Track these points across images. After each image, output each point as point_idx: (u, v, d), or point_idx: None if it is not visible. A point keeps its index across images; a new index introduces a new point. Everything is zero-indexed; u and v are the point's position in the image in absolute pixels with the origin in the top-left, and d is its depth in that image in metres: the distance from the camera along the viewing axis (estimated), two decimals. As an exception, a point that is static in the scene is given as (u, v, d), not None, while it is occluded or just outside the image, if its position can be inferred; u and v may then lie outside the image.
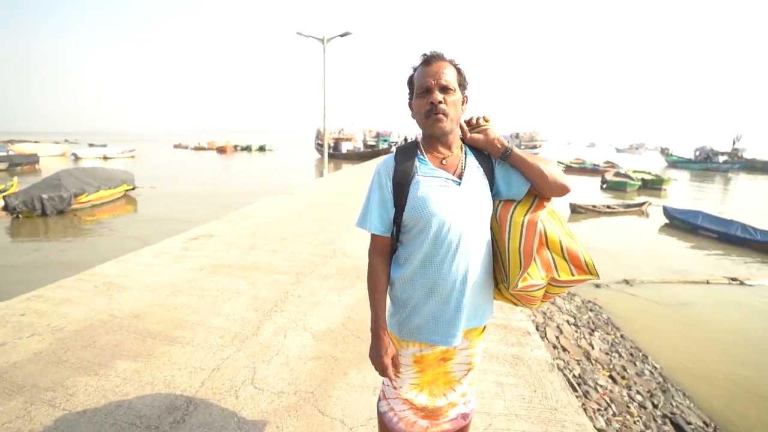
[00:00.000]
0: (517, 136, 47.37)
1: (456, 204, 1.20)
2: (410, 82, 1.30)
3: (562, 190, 1.25)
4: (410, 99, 1.31)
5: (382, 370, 1.30)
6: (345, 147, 36.31)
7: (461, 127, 1.32)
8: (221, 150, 48.36)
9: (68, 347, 2.62)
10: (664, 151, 43.17)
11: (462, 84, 1.27)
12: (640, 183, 20.09)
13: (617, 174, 21.80)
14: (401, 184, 1.23)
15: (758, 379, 4.50)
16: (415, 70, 1.28)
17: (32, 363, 2.44)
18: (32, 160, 26.57)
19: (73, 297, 3.42)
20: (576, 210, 13.40)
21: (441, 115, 1.20)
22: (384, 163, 1.30)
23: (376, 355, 1.29)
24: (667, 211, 12.29)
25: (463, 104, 1.28)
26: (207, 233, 5.71)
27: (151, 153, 44.24)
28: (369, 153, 32.25)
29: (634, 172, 22.83)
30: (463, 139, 1.33)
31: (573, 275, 1.24)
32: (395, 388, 1.38)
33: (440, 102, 1.19)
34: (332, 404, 2.17)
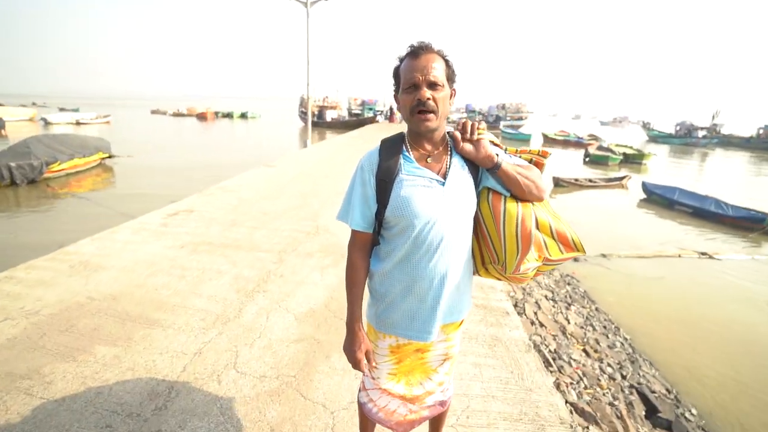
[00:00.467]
0: (503, 107, 46.98)
1: (439, 205, 1.19)
2: (396, 74, 1.25)
3: (537, 200, 1.27)
4: (396, 91, 1.26)
5: (354, 363, 1.32)
6: (329, 115, 35.48)
7: (453, 136, 1.27)
8: (201, 117, 46.72)
9: (44, 332, 2.58)
10: (645, 125, 43.66)
11: (450, 77, 1.23)
12: (621, 157, 20.38)
13: (600, 148, 22.03)
14: (385, 182, 1.20)
15: (717, 347, 4.80)
16: (401, 61, 1.23)
17: (6, 349, 2.39)
18: (-2, 124, 25.20)
19: (48, 278, 3.33)
20: (559, 183, 13.58)
21: (429, 114, 1.17)
22: (368, 157, 1.27)
23: (350, 349, 1.31)
24: (645, 187, 12.57)
25: (451, 98, 1.24)
26: (187, 208, 5.58)
27: (128, 119, 42.45)
28: (354, 122, 31.61)
29: (617, 146, 23.10)
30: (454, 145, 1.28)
31: (562, 253, 1.27)
32: (373, 378, 1.41)
33: (428, 99, 1.15)
34: (314, 388, 2.21)
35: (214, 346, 2.53)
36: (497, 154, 1.24)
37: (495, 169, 1.22)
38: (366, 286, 1.34)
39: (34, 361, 2.30)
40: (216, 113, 50.20)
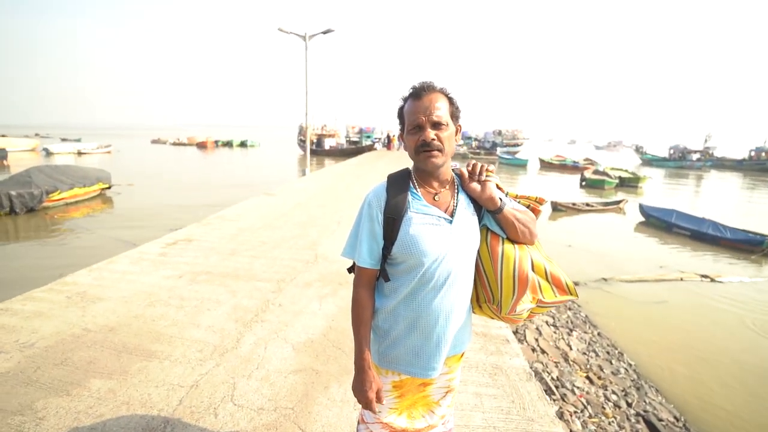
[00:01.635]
0: (499, 133, 47.87)
1: (447, 243, 1.20)
2: (400, 114, 1.27)
3: (529, 243, 1.31)
4: (401, 131, 1.29)
5: (365, 404, 1.29)
6: (328, 143, 36.03)
7: (461, 174, 1.30)
8: (201, 145, 47.35)
9: (38, 365, 2.54)
10: (638, 149, 44.38)
11: (454, 115, 1.25)
12: (617, 181, 20.61)
13: (596, 172, 22.30)
14: (393, 219, 1.21)
15: (725, 372, 4.71)
16: (405, 101, 1.25)
17: (-1, 384, 2.35)
18: (0, 155, 25.50)
19: (44, 309, 3.30)
20: (557, 208, 13.67)
21: (435, 151, 1.19)
22: (375, 193, 1.27)
23: (361, 389, 1.28)
24: (643, 209, 12.65)
25: (456, 134, 1.27)
26: (186, 237, 5.59)
27: (128, 148, 42.99)
28: (352, 149, 32.08)
29: (612, 169, 23.40)
30: (462, 183, 1.31)
31: (555, 296, 1.29)
32: (375, 413, 1.39)
33: (433, 140, 1.17)
34: (313, 420, 2.16)
35: (211, 378, 2.49)
36: (500, 198, 1.27)
37: (497, 212, 1.25)
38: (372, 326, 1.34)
39: (27, 396, 2.26)
40: (216, 142, 50.89)
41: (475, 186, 1.26)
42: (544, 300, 1.28)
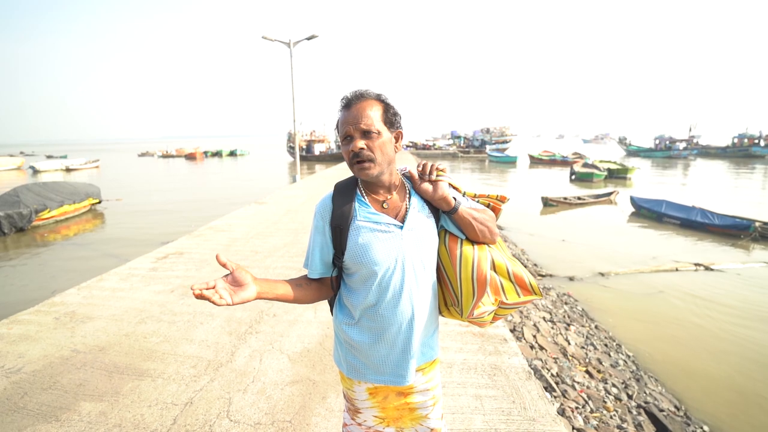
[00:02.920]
0: (487, 131, 48.10)
1: (399, 249, 1.17)
2: (337, 126, 1.23)
3: (490, 242, 1.28)
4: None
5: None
6: (318, 149, 35.97)
7: (411, 176, 1.27)
8: (190, 157, 47.03)
9: (26, 391, 2.46)
10: (622, 141, 44.90)
11: (389, 121, 1.19)
12: (606, 173, 20.81)
13: (585, 165, 22.51)
14: (340, 228, 1.19)
15: (723, 359, 4.74)
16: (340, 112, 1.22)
17: (-15, 413, 2.28)
18: (-15, 175, 25.12)
19: (32, 332, 3.22)
20: (548, 203, 13.74)
21: (366, 162, 1.15)
22: (322, 203, 1.25)
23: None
24: (633, 201, 12.77)
25: (396, 141, 1.23)
26: (177, 251, 5.51)
27: (116, 163, 42.56)
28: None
29: (601, 162, 23.63)
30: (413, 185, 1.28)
31: (519, 297, 1.27)
32: (359, 425, 1.36)
33: (362, 149, 1.14)
34: (311, 432, 2.12)
35: (206, 394, 2.43)
36: (454, 198, 1.23)
37: (452, 212, 1.22)
38: (334, 331, 1.34)
39: (14, 424, 2.18)
40: (205, 153, 50.62)
41: (427, 187, 1.22)
42: (506, 301, 1.26)
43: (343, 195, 1.23)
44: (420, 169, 1.26)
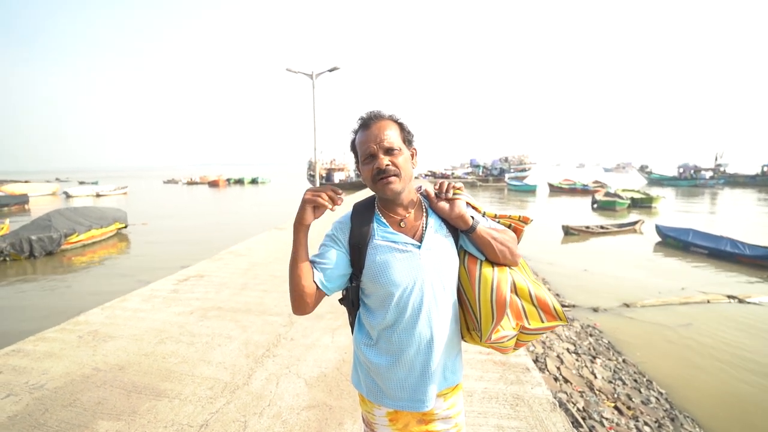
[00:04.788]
0: (506, 159, 48.11)
1: (416, 269, 1.16)
2: (353, 146, 1.25)
3: (512, 264, 1.24)
4: (356, 163, 1.26)
5: (311, 200, 1.14)
6: (337, 177, 36.58)
7: (428, 195, 1.27)
8: (213, 184, 48.45)
9: (47, 407, 2.49)
10: (643, 169, 44.07)
11: (407, 139, 1.22)
12: (629, 202, 20.36)
13: (607, 194, 22.12)
14: (359, 247, 1.19)
15: (763, 397, 4.41)
16: (355, 133, 1.24)
17: (5, 429, 2.30)
18: (22, 200, 26.40)
19: (56, 350, 3.28)
20: (569, 232, 13.46)
21: (392, 177, 1.16)
22: (340, 221, 1.26)
23: (301, 211, 1.15)
24: (659, 230, 12.40)
25: (413, 158, 1.25)
26: (198, 273, 5.60)
27: (143, 189, 44.18)
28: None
29: (624, 191, 23.19)
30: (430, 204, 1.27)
31: (543, 322, 1.21)
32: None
33: (387, 165, 1.15)
34: (327, 460, 2.06)
35: (222, 416, 2.41)
36: (472, 216, 1.22)
37: (469, 231, 1.20)
38: (353, 352, 1.30)
39: (35, 440, 2.20)
40: (228, 180, 52.07)
41: (443, 205, 1.21)
42: (528, 326, 1.21)
43: (362, 214, 1.24)
44: (437, 187, 1.26)
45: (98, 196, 34.33)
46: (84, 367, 3.01)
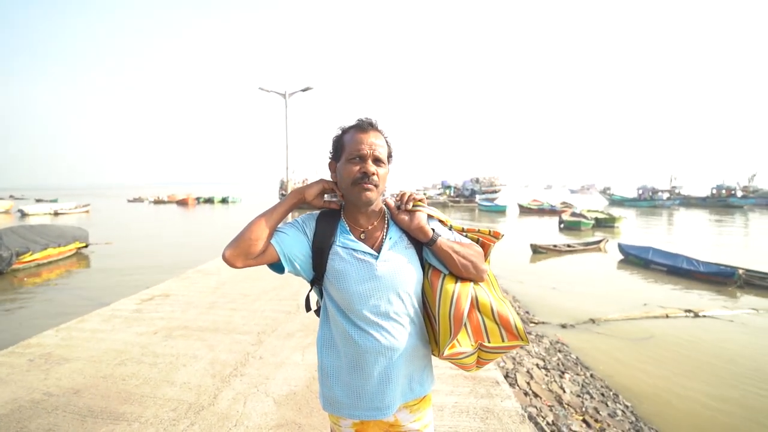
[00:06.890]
0: (477, 181, 49.30)
1: (372, 279, 1.17)
2: (337, 142, 1.24)
3: (478, 279, 1.24)
4: (332, 159, 1.26)
5: (319, 189, 1.27)
6: (310, 196, 36.23)
7: (388, 205, 1.28)
8: (182, 203, 47.00)
9: (-10, 436, 2.31)
10: (605, 191, 46.35)
11: (390, 156, 1.26)
12: (593, 221, 21.23)
13: (573, 214, 22.99)
14: (321, 249, 1.21)
15: (723, 406, 4.61)
16: (343, 131, 1.24)
17: (-56, 460, 2.12)
18: (-29, 219, 24.73)
19: (2, 375, 3.06)
20: (537, 250, 13.84)
21: (371, 185, 1.17)
22: (308, 215, 1.28)
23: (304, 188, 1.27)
24: (621, 248, 12.96)
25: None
26: (163, 293, 5.40)
27: (107, 208, 42.30)
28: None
29: (588, 211, 24.18)
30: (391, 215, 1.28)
31: (503, 341, 1.20)
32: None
33: (374, 173, 1.17)
34: (295, 480, 2.00)
35: (184, 439, 2.30)
36: (433, 229, 1.23)
37: (429, 243, 1.21)
38: (317, 364, 1.29)
39: (-25, 471, 2.03)
40: (197, 199, 50.66)
41: (403, 217, 1.22)
42: (488, 344, 1.20)
43: (327, 217, 1.26)
44: (397, 198, 1.28)
45: (57, 214, 32.52)
46: (33, 392, 2.81)
